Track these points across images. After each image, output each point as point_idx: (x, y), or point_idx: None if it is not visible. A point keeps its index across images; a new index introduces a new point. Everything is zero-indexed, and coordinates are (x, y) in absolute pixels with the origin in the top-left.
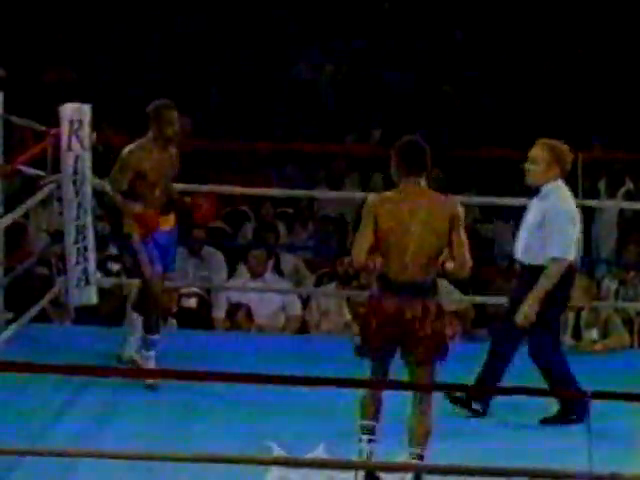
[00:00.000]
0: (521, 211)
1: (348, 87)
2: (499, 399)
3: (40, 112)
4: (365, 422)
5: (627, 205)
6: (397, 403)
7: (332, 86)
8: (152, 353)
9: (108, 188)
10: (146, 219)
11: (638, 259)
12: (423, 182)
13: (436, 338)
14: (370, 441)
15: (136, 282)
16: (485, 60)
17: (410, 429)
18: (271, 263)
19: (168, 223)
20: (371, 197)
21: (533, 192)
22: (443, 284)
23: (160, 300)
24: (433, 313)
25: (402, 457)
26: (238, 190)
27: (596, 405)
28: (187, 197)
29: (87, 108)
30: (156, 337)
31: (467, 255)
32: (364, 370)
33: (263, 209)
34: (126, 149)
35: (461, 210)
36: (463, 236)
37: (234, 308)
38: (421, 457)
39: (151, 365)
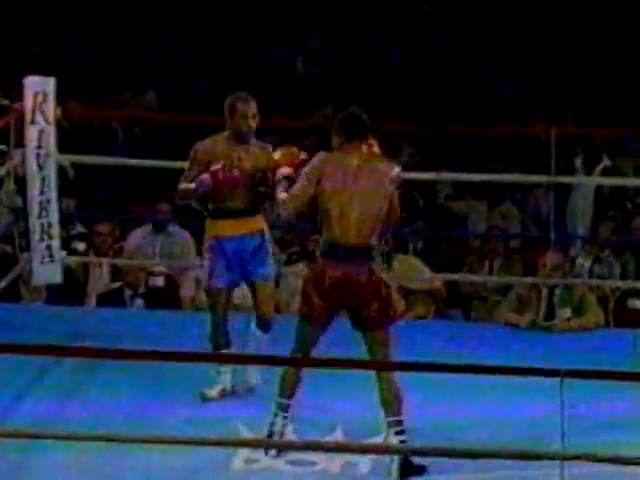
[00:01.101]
0: (494, 187)
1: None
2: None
3: (3, 85)
4: (284, 400)
5: (603, 182)
6: None
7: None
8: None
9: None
10: (224, 173)
11: (613, 236)
12: (364, 148)
13: (384, 302)
14: (285, 418)
15: (104, 261)
16: (453, 31)
17: (380, 399)
18: None
19: (248, 227)
20: (320, 155)
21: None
22: (414, 262)
23: (220, 315)
24: (379, 277)
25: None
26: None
27: (569, 384)
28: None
29: (51, 81)
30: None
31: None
32: (336, 349)
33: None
34: (197, 143)
35: (399, 172)
36: (396, 200)
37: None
38: (399, 422)
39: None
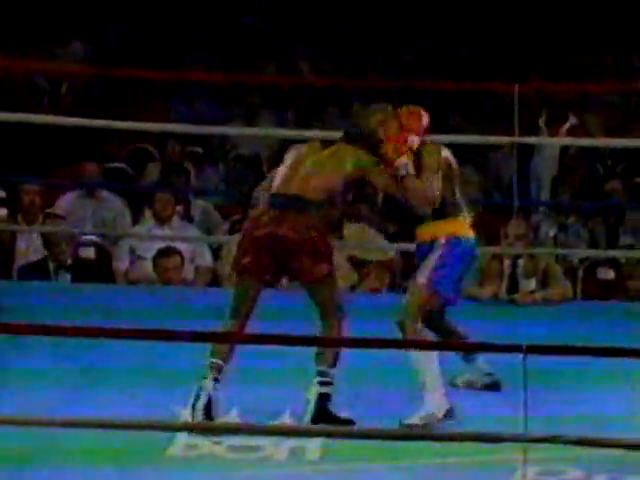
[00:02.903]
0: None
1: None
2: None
3: None
4: (216, 360)
5: (570, 142)
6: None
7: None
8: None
9: None
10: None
11: (579, 201)
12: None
13: (316, 255)
14: (215, 380)
15: (25, 228)
16: None
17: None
18: (179, 208)
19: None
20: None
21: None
22: (367, 231)
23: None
24: (314, 230)
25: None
26: (140, 126)
27: (532, 360)
28: None
29: None
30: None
31: (414, 188)
32: (280, 325)
33: (169, 148)
34: None
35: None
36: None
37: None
38: (324, 373)
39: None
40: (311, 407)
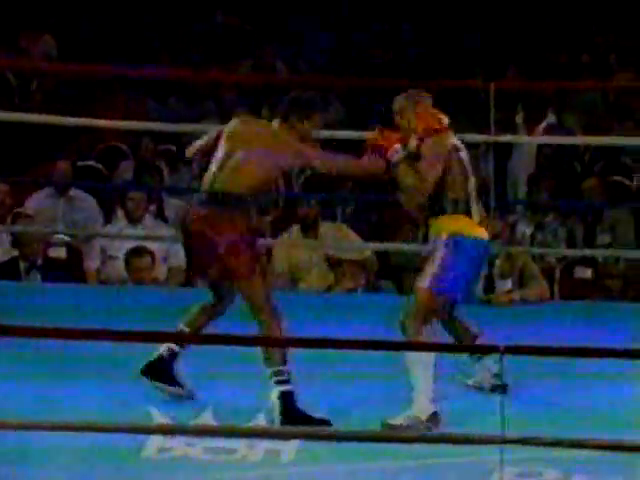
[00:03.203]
0: None
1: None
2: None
3: None
4: (182, 326)
5: (547, 140)
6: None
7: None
8: None
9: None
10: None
11: (556, 200)
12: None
13: (230, 252)
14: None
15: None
16: None
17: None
18: (152, 208)
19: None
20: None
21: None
22: (343, 230)
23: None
24: (228, 224)
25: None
26: (112, 124)
27: (510, 361)
28: None
29: None
30: None
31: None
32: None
33: (142, 146)
34: None
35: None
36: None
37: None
38: (277, 373)
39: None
40: (277, 408)
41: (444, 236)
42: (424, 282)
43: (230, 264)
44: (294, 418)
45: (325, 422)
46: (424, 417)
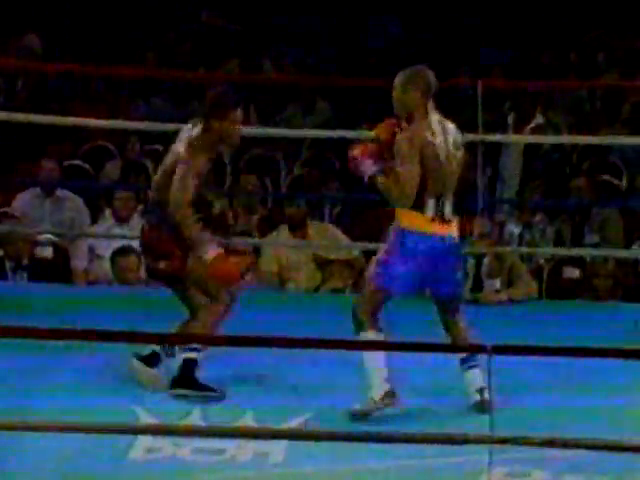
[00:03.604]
0: None
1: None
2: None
3: None
4: None
5: (536, 140)
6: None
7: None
8: None
9: None
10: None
11: (544, 199)
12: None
13: (162, 255)
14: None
15: None
16: None
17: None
18: (139, 207)
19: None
20: None
21: None
22: (330, 230)
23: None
24: (166, 228)
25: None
26: (99, 123)
27: (498, 360)
28: None
29: None
30: None
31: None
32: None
33: (129, 145)
34: None
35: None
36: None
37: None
38: (189, 360)
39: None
40: (175, 370)
41: (391, 231)
42: (368, 273)
43: (161, 263)
44: (185, 384)
45: (214, 391)
46: (378, 397)
